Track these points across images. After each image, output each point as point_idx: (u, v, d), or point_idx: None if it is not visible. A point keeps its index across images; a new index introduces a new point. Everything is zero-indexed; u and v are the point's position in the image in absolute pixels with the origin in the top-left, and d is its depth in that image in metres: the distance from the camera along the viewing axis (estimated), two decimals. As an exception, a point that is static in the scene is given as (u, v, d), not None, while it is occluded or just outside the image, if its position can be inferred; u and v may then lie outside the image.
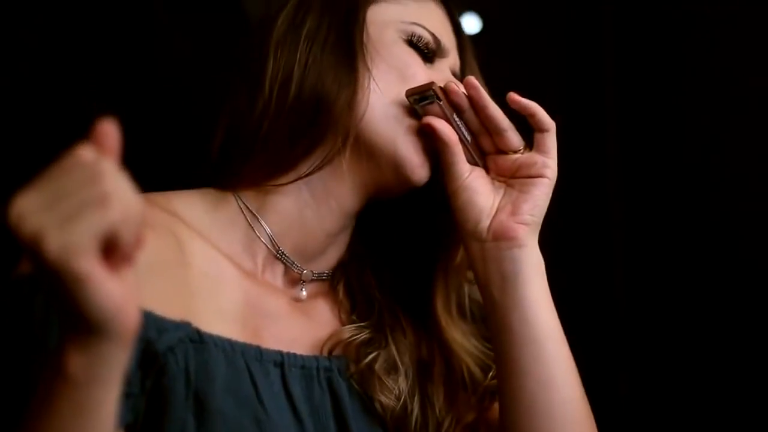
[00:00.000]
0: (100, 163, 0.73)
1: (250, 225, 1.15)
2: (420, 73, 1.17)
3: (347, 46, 1.15)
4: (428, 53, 1.19)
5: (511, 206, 1.11)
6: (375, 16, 1.18)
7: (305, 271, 1.18)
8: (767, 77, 1.66)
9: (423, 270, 1.23)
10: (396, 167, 1.14)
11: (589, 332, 1.74)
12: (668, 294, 1.75)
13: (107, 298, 0.73)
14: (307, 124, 1.12)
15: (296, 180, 1.13)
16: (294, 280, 1.18)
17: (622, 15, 1.83)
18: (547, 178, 1.11)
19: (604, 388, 1.73)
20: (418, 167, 1.15)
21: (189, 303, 1.04)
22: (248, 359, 1.05)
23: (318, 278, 1.20)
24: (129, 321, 0.75)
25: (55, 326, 0.88)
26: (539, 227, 1.11)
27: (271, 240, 1.15)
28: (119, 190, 0.73)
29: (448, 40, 1.22)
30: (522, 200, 1.10)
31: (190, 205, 1.14)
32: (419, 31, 1.18)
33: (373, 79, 1.14)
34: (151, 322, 0.98)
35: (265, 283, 1.15)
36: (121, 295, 0.73)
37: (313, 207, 1.15)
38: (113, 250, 0.73)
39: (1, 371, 0.94)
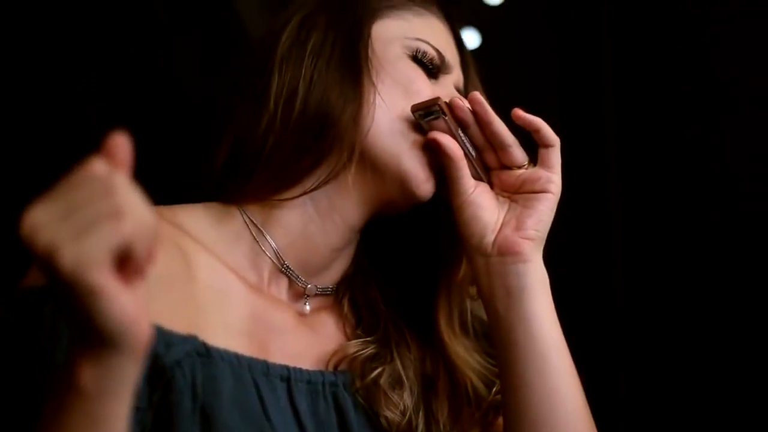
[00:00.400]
0: (113, 176, 0.73)
1: (255, 239, 1.15)
2: (425, 89, 1.17)
3: (352, 62, 1.15)
4: (433, 69, 1.19)
5: (515, 221, 1.11)
6: (379, 31, 1.18)
7: (309, 286, 1.18)
8: (765, 78, 1.67)
9: (426, 285, 1.23)
10: (401, 182, 1.14)
11: (588, 333, 1.74)
12: (667, 294, 1.76)
13: (121, 311, 0.73)
14: (313, 139, 1.12)
15: (301, 195, 1.13)
16: (299, 294, 1.18)
17: (620, 28, 1.83)
18: (552, 193, 1.11)
19: (603, 388, 1.73)
20: (423, 182, 1.15)
21: (195, 317, 1.04)
22: (255, 373, 1.05)
23: (322, 292, 1.20)
24: (141, 334, 0.75)
25: (63, 338, 0.90)
26: (544, 242, 1.12)
27: (276, 254, 1.15)
28: (132, 204, 0.73)
29: (452, 56, 1.23)
30: (526, 215, 1.11)
31: (196, 219, 1.14)
32: (423, 46, 1.18)
33: (379, 95, 1.14)
34: (158, 336, 0.97)
35: (271, 296, 1.15)
36: (134, 309, 0.74)
37: (317, 222, 1.15)
38: (126, 264, 0.73)
39: (9, 382, 0.94)
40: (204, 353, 1.02)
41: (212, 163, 1.19)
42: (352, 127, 1.12)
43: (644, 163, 1.80)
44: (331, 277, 1.20)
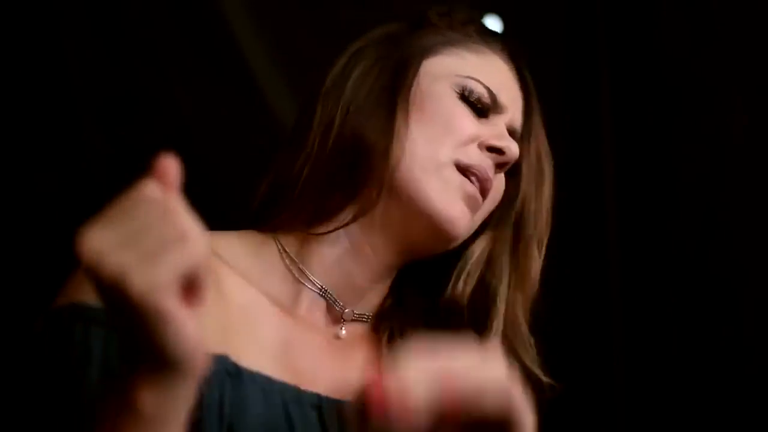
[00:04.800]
0: (170, 200, 0.74)
1: (290, 269, 1.14)
2: (468, 127, 1.14)
3: (391, 95, 1.13)
4: (481, 108, 1.15)
5: None
6: (430, 68, 1.16)
7: (347, 310, 1.16)
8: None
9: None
10: (430, 220, 1.12)
11: (588, 332, 1.74)
12: (665, 295, 1.75)
13: (187, 336, 0.74)
14: (345, 172, 1.11)
15: (334, 230, 1.12)
16: (334, 318, 1.16)
17: (616, 42, 1.83)
18: None
19: (603, 387, 1.73)
20: (456, 219, 1.12)
21: (226, 337, 1.03)
22: (286, 398, 1.04)
23: (359, 318, 1.18)
24: (201, 359, 0.76)
25: (94, 357, 0.93)
26: None
27: (311, 279, 1.14)
28: (193, 228, 0.74)
29: (508, 97, 1.18)
30: None
31: (229, 245, 1.13)
32: (472, 84, 1.15)
33: (415, 129, 1.12)
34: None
35: (304, 321, 1.13)
36: (197, 333, 0.75)
37: (352, 255, 1.14)
38: (188, 289, 0.74)
39: (40, 398, 0.94)
40: (234, 373, 1.00)
41: (253, 194, 1.18)
42: (383, 161, 1.10)
43: (642, 177, 1.79)
44: (367, 304, 1.18)
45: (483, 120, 1.15)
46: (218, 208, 1.42)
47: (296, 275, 1.13)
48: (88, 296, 0.93)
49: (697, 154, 1.73)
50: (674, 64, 1.76)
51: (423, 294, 1.22)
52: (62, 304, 0.97)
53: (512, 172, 1.19)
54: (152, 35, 1.56)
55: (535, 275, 1.18)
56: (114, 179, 1.56)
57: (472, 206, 1.13)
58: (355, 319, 1.17)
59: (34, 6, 1.48)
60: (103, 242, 0.72)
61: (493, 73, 1.18)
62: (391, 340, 1.18)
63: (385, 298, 1.20)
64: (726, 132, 1.70)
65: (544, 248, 1.19)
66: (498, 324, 1.14)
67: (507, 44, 1.22)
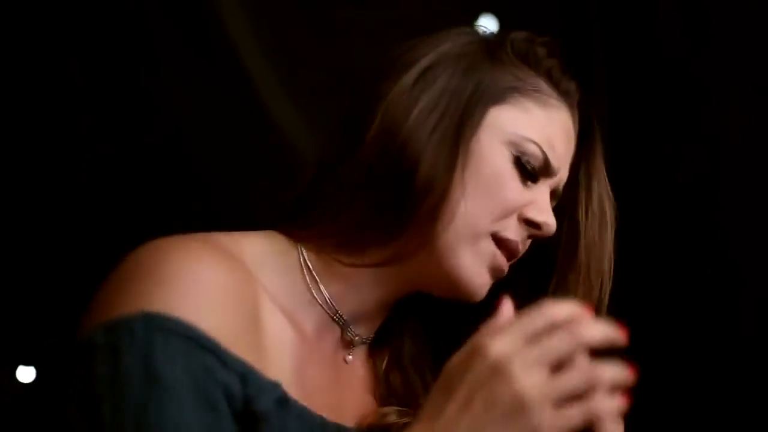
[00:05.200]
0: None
1: (309, 285, 1.11)
2: (513, 197, 1.10)
3: (454, 141, 1.08)
4: (532, 175, 1.11)
5: None
6: (493, 119, 1.10)
7: (356, 337, 1.15)
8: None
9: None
10: (454, 284, 1.11)
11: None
12: (661, 295, 1.75)
13: None
14: (390, 210, 1.07)
15: (362, 266, 1.09)
16: (344, 343, 1.14)
17: (612, 36, 1.84)
18: None
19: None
20: (478, 288, 1.11)
21: (262, 364, 1.00)
22: (315, 430, 1.02)
23: (363, 342, 1.16)
24: None
25: (179, 369, 0.90)
26: None
27: (329, 303, 1.11)
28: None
29: (563, 154, 1.14)
30: None
31: (254, 251, 1.09)
32: (529, 150, 1.10)
33: (468, 185, 1.08)
34: (251, 378, 0.95)
35: (314, 346, 1.11)
36: None
37: (371, 287, 1.11)
38: None
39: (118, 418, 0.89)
40: (283, 403, 0.99)
41: (291, 188, 1.16)
42: (432, 213, 1.06)
43: (637, 172, 1.80)
44: (372, 326, 1.16)
45: (530, 185, 1.12)
46: (214, 209, 1.42)
47: (314, 293, 1.11)
48: (158, 306, 0.92)
49: (692, 154, 1.73)
50: (669, 63, 1.76)
51: (425, 317, 1.21)
52: (128, 314, 0.92)
53: (571, 215, 1.17)
54: (148, 35, 1.55)
55: None
56: (111, 180, 1.57)
57: (496, 276, 1.12)
58: (363, 343, 1.17)
59: (30, 6, 1.48)
60: (535, 378, 0.81)
61: (555, 130, 1.13)
62: (391, 363, 1.18)
63: (386, 321, 1.18)
64: (722, 132, 1.70)
65: (606, 295, 1.17)
66: None
67: (578, 88, 1.18)
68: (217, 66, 1.58)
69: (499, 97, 1.11)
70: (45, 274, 1.48)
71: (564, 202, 1.18)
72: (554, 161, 1.12)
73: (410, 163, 1.07)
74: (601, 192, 1.18)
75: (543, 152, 1.11)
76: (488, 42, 1.16)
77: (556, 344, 0.82)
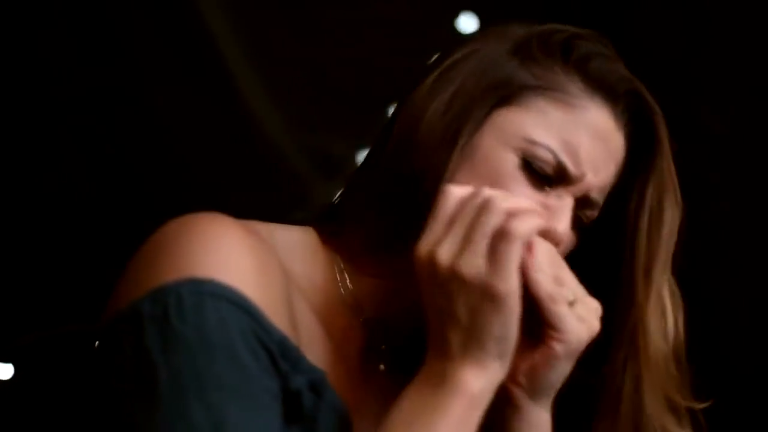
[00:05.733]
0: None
1: (339, 284, 1.07)
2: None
3: (453, 139, 1.02)
4: (548, 179, 1.03)
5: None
6: (499, 121, 1.03)
7: (384, 346, 1.09)
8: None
9: None
10: None
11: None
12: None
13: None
14: (406, 221, 1.01)
15: (385, 277, 1.05)
16: (370, 350, 1.09)
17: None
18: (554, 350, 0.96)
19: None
20: None
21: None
22: (343, 426, 0.97)
23: (390, 351, 1.10)
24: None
25: (234, 333, 0.87)
26: (546, 395, 0.99)
27: (358, 304, 1.07)
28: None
29: (592, 158, 1.04)
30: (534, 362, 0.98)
31: (290, 245, 1.05)
32: (541, 154, 1.02)
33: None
34: (292, 354, 0.92)
35: (341, 347, 1.07)
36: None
37: (400, 286, 1.05)
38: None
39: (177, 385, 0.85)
40: (319, 388, 0.94)
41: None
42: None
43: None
44: (398, 335, 1.09)
45: (547, 189, 1.04)
46: (194, 207, 1.41)
47: (344, 294, 1.07)
48: (202, 272, 0.89)
49: (681, 155, 1.73)
50: (651, 62, 1.76)
51: None
52: (174, 280, 0.88)
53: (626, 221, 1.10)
54: (128, 33, 1.55)
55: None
56: (90, 178, 1.57)
57: None
58: (390, 351, 1.10)
59: (8, 3, 1.48)
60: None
61: (579, 133, 1.04)
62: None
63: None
64: (710, 133, 1.70)
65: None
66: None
67: (627, 85, 1.08)
68: (197, 64, 1.58)
69: (508, 97, 1.04)
70: (23, 272, 1.48)
71: (620, 208, 1.10)
72: (573, 167, 1.03)
73: (419, 171, 1.02)
74: (662, 197, 1.09)
75: (556, 157, 1.02)
76: (517, 38, 1.08)
77: (482, 226, 0.90)
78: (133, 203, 1.53)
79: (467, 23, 1.75)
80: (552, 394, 0.99)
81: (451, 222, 0.92)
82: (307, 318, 1.03)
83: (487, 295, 0.89)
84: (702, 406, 1.10)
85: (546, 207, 1.02)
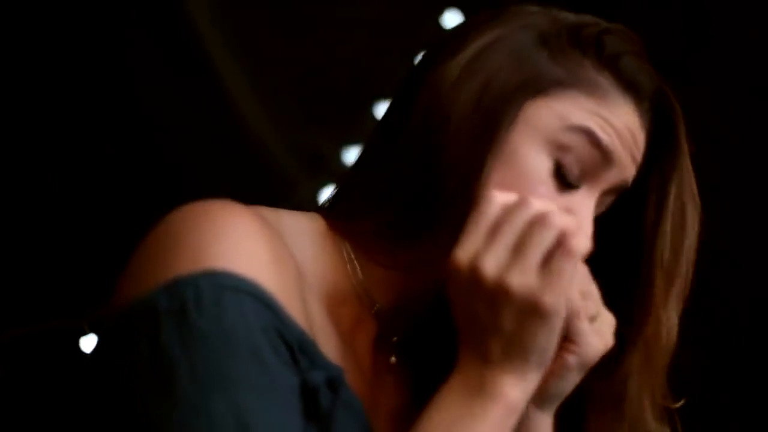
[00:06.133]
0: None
1: (348, 272, 1.02)
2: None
3: (483, 140, 0.98)
4: (570, 184, 1.00)
5: None
6: (531, 115, 1.00)
7: (395, 339, 1.04)
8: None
9: None
10: None
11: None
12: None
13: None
14: (423, 213, 0.97)
15: (394, 268, 1.00)
16: (384, 343, 1.04)
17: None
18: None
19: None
20: None
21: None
22: (359, 426, 0.94)
23: (400, 343, 1.05)
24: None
25: (254, 328, 0.84)
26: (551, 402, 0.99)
27: (368, 294, 1.02)
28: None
29: (621, 152, 1.01)
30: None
31: (297, 231, 1.00)
32: (574, 142, 0.99)
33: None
34: (309, 350, 0.89)
35: (350, 339, 1.02)
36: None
37: (412, 282, 1.01)
38: None
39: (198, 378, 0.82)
40: (336, 385, 0.90)
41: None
42: (460, 222, 0.93)
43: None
44: (407, 325, 1.05)
45: (571, 191, 1.00)
46: (181, 203, 1.41)
47: (353, 283, 1.02)
48: (217, 263, 0.84)
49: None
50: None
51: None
52: (190, 272, 0.84)
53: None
54: (115, 31, 1.55)
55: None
56: (78, 176, 1.56)
57: None
58: (399, 343, 1.06)
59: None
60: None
61: (612, 125, 1.01)
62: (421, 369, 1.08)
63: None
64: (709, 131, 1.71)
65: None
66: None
67: (655, 83, 1.05)
68: (184, 62, 1.57)
69: (540, 90, 0.99)
70: (7, 269, 1.48)
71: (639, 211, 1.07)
72: (610, 144, 0.99)
73: (449, 167, 0.97)
74: (682, 199, 1.06)
75: (593, 136, 0.99)
76: (545, 28, 1.03)
77: (537, 241, 0.89)
78: (121, 201, 1.52)
79: (452, 20, 1.76)
80: (558, 402, 0.98)
81: (495, 230, 0.90)
82: (317, 309, 0.98)
83: (535, 310, 0.88)
84: (677, 405, 1.10)
85: (570, 210, 0.99)
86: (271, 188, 1.62)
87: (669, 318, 1.05)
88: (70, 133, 1.53)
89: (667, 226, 1.05)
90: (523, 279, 0.88)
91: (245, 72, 1.63)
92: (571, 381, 0.96)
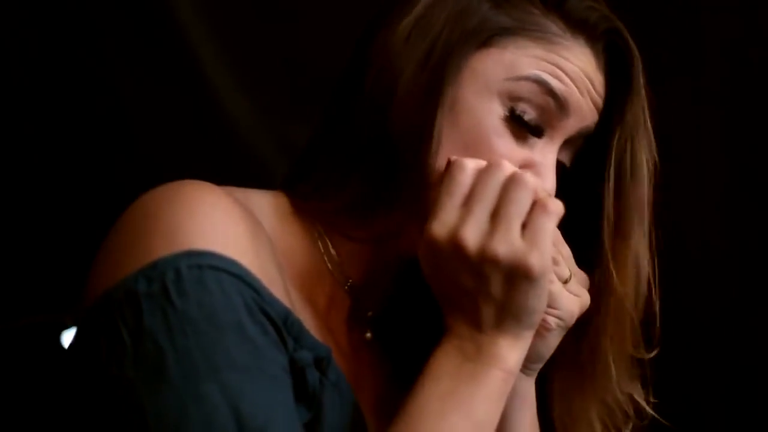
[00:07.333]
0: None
1: (321, 249, 1.01)
2: (499, 157, 0.94)
3: (431, 95, 0.95)
4: (531, 128, 0.98)
5: None
6: (478, 66, 0.97)
7: (369, 313, 1.03)
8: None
9: None
10: None
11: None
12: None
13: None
14: (385, 181, 0.96)
15: (368, 240, 0.99)
16: (359, 318, 1.03)
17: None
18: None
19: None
20: None
21: None
22: (345, 405, 0.93)
23: (375, 318, 1.04)
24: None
25: (237, 306, 0.82)
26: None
27: (341, 268, 1.01)
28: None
29: (576, 97, 0.98)
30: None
31: (264, 208, 0.99)
32: (526, 91, 0.96)
33: (445, 144, 0.95)
34: (297, 329, 0.87)
35: (326, 317, 1.01)
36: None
37: (383, 253, 1.01)
38: None
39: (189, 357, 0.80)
40: (323, 364, 0.90)
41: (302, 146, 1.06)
42: (420, 186, 0.94)
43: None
44: (381, 299, 1.04)
45: (530, 141, 0.98)
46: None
47: (326, 259, 1.01)
48: (195, 242, 0.82)
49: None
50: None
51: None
52: (168, 254, 0.82)
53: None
54: (93, 19, 1.54)
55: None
56: (52, 165, 1.55)
57: None
58: (374, 317, 1.05)
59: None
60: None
61: (563, 69, 0.98)
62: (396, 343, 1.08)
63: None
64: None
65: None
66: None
67: (608, 22, 1.02)
68: (165, 53, 1.57)
69: (485, 41, 0.97)
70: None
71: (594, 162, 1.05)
72: (563, 93, 0.97)
73: (402, 131, 0.95)
74: (635, 146, 1.03)
75: (545, 85, 0.97)
76: None
77: (514, 204, 0.89)
78: (101, 193, 1.52)
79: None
80: (541, 365, 1.00)
81: (470, 199, 0.89)
82: (291, 287, 0.96)
83: (524, 274, 0.88)
84: (650, 355, 1.09)
85: (530, 164, 0.98)
86: (251, 176, 1.60)
87: (633, 266, 1.03)
88: (47, 125, 1.53)
89: (613, 173, 1.01)
90: (507, 245, 0.88)
91: (228, 63, 1.62)
92: (550, 342, 0.98)
